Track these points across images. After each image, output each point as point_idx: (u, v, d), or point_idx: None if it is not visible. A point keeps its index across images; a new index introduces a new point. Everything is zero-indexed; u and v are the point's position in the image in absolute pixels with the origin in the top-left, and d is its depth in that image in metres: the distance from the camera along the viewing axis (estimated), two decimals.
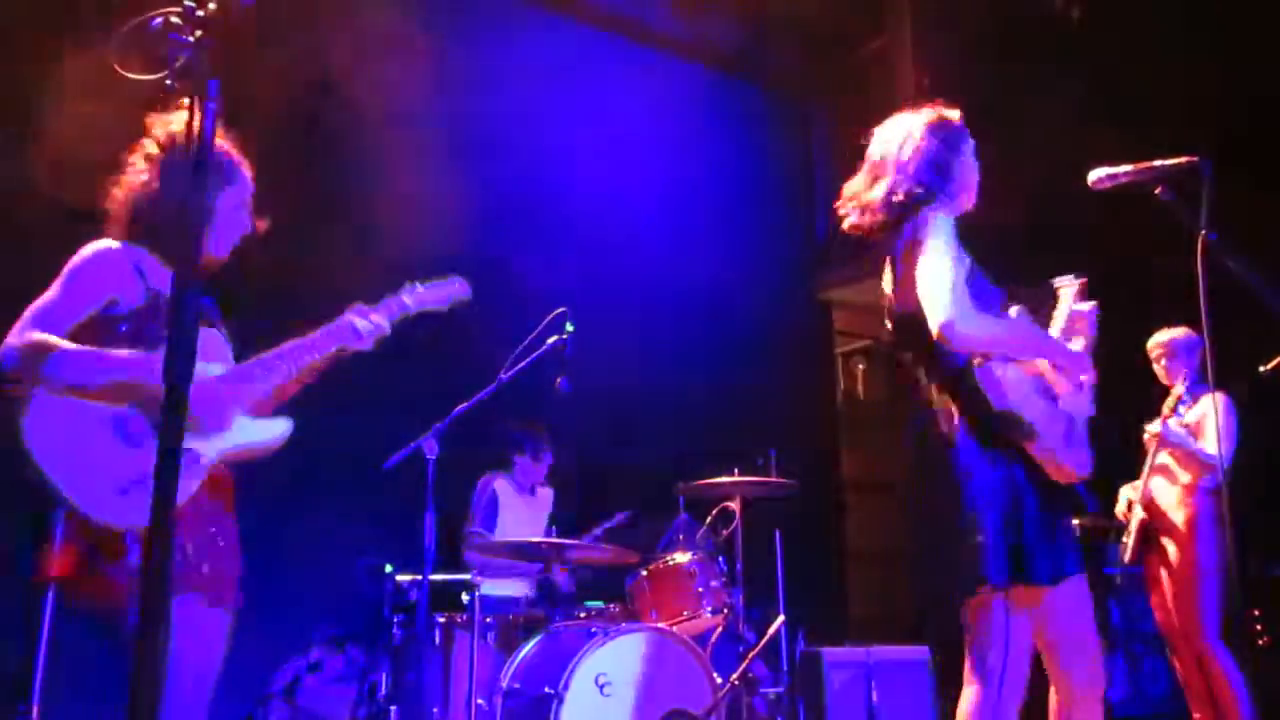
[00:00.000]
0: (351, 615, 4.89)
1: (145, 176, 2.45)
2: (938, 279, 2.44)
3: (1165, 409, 4.48)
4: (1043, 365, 2.54)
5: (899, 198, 2.60)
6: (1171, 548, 4.39)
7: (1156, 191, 2.61)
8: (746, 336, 6.94)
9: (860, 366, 7.96)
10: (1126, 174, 2.64)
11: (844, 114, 7.23)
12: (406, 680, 4.24)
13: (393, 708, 4.25)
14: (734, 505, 4.68)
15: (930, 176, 2.61)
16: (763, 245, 7.23)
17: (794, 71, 7.19)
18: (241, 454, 2.43)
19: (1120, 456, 4.60)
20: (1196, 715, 4.36)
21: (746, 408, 6.47)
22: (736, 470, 4.75)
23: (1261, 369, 4.35)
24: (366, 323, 2.71)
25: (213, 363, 2.43)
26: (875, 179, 2.69)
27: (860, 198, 2.71)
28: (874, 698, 4.97)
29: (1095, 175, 2.67)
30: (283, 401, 2.64)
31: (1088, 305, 2.68)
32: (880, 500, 7.37)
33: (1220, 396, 4.32)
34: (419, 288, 2.96)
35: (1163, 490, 4.46)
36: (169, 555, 1.18)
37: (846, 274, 7.39)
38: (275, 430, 2.52)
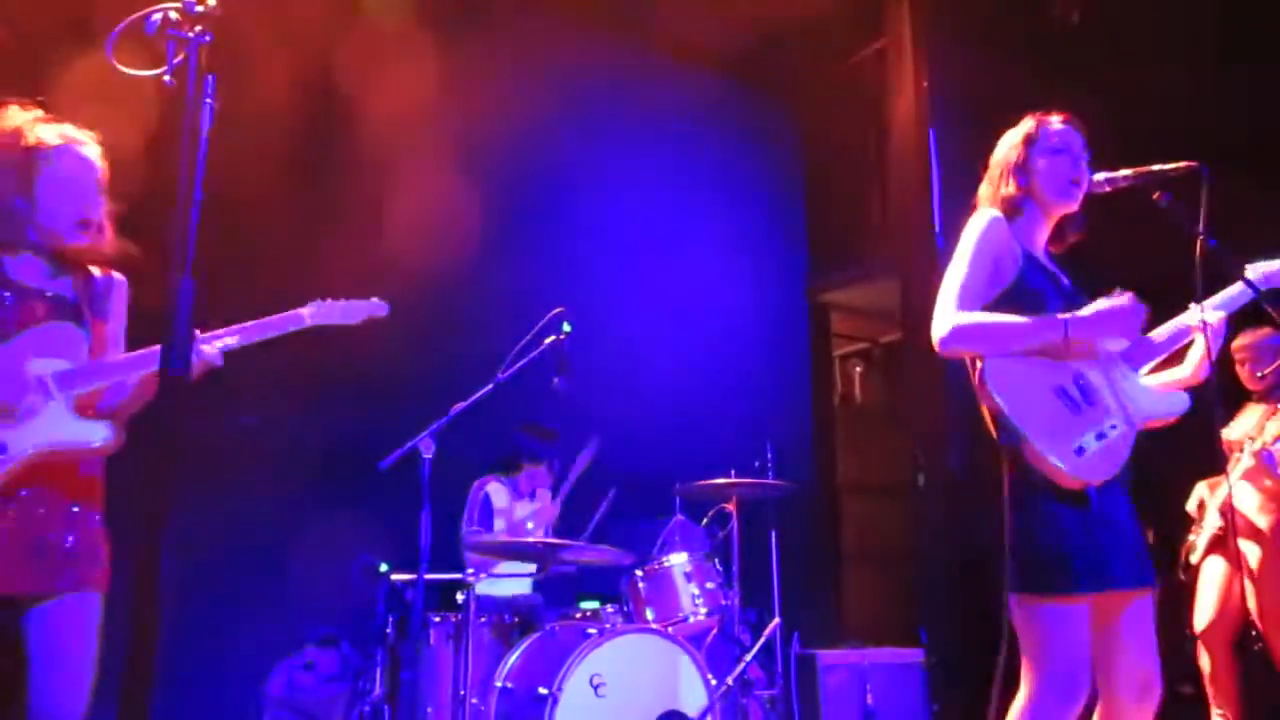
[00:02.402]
0: (346, 614, 4.88)
1: None
2: (942, 287, 2.54)
3: (1268, 433, 4.32)
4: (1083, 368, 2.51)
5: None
6: (1255, 553, 4.33)
7: (1155, 196, 2.61)
8: (744, 338, 6.94)
9: (858, 369, 7.96)
10: (1126, 178, 2.64)
11: (843, 116, 7.23)
12: (401, 679, 4.23)
13: (386, 707, 4.24)
14: (730, 507, 4.68)
15: (994, 183, 2.71)
16: (761, 247, 7.23)
17: (793, 73, 7.19)
18: (56, 451, 2.38)
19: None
20: (1218, 710, 4.36)
21: (744, 409, 6.47)
22: (733, 472, 4.75)
23: (1260, 373, 4.35)
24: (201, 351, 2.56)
25: (56, 359, 2.43)
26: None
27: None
28: (869, 700, 4.97)
29: (1094, 179, 2.67)
30: (108, 407, 2.56)
31: (1216, 317, 2.69)
32: (877, 503, 7.37)
33: None
34: (324, 304, 2.84)
35: (1246, 495, 4.39)
36: (161, 547, 1.18)
37: (844, 277, 7.39)
38: (95, 434, 2.43)
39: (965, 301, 2.50)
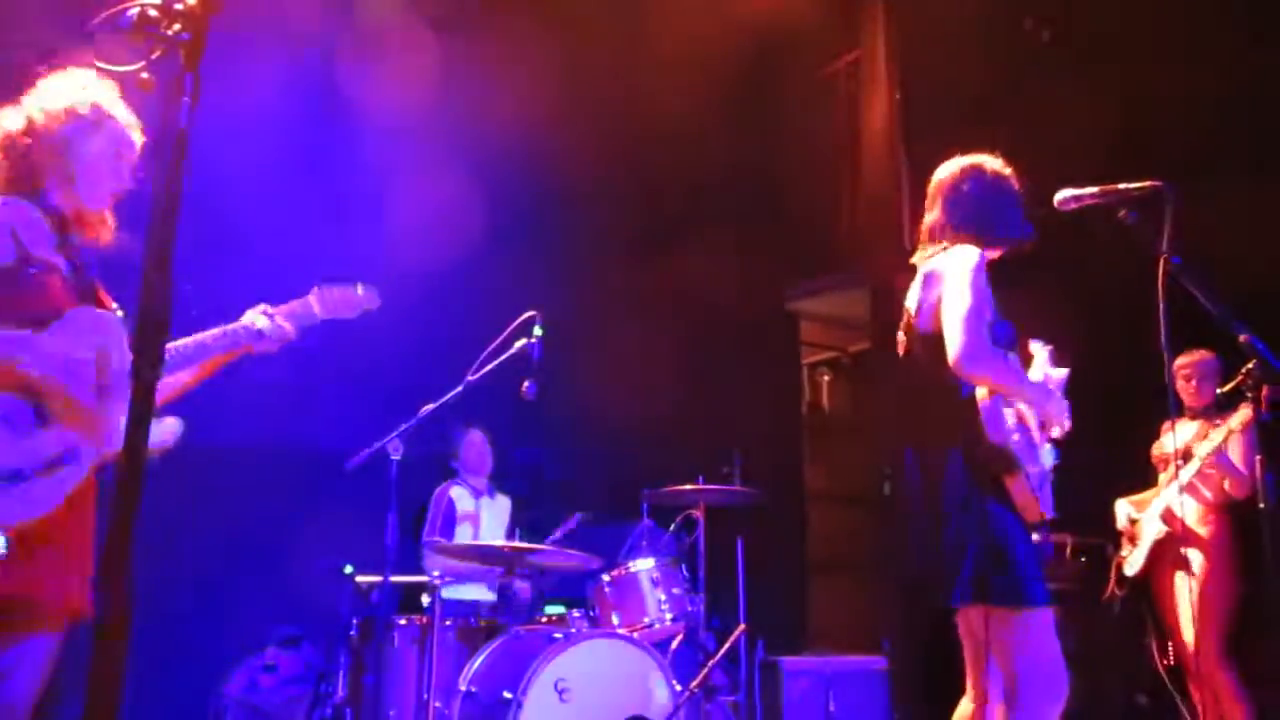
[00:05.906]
0: (310, 616, 4.84)
1: (21, 126, 2.30)
2: (961, 311, 2.55)
3: (1212, 441, 4.35)
4: (1024, 411, 2.65)
5: (941, 226, 2.78)
6: (1198, 559, 4.38)
7: (1121, 215, 2.65)
8: (714, 346, 6.95)
9: (826, 378, 7.99)
10: (1091, 196, 2.68)
11: (817, 126, 7.26)
12: (364, 682, 4.20)
13: (348, 710, 4.21)
14: (698, 513, 4.69)
15: (964, 215, 2.73)
16: (732, 255, 7.24)
17: (767, 83, 7.21)
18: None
19: (1105, 473, 4.62)
20: None
21: (712, 417, 6.48)
22: (701, 478, 4.76)
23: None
24: (269, 324, 2.59)
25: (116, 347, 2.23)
26: (930, 205, 2.84)
27: (924, 220, 2.86)
28: (831, 707, 5.00)
29: (1061, 196, 2.71)
30: (168, 400, 2.46)
31: (1060, 372, 2.80)
32: (842, 512, 7.40)
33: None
34: (325, 291, 2.84)
35: (1186, 507, 4.43)
36: (129, 558, 1.16)
37: (814, 286, 7.42)
38: (164, 430, 2.34)
39: (985, 331, 2.56)
